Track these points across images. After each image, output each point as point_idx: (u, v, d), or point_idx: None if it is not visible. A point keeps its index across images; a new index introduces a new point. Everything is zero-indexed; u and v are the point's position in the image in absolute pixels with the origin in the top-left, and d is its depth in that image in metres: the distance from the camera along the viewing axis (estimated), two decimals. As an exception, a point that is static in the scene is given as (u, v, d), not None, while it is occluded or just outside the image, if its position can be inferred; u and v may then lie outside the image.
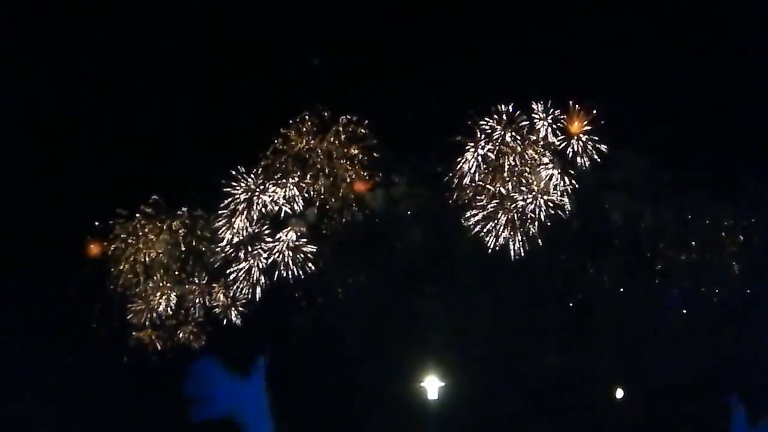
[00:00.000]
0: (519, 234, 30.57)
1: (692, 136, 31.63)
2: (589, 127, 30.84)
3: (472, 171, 30.98)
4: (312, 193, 31.44)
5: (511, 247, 30.54)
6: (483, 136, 30.94)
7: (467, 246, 31.41)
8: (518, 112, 30.91)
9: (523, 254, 30.55)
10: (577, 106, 30.81)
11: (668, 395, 30.77)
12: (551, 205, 30.70)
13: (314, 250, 30.60)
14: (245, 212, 30.50)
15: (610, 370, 31.61)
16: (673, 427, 30.64)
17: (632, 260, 32.47)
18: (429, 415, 27.62)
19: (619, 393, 31.78)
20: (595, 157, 30.93)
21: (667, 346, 31.17)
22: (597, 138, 30.85)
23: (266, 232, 30.65)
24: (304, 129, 31.47)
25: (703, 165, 31.28)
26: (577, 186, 31.04)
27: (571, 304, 32.44)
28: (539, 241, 30.60)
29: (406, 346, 29.86)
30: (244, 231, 30.34)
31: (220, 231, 30.52)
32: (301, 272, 30.37)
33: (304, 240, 30.49)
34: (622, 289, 32.37)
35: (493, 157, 30.99)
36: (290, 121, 31.49)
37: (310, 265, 30.54)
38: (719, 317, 31.36)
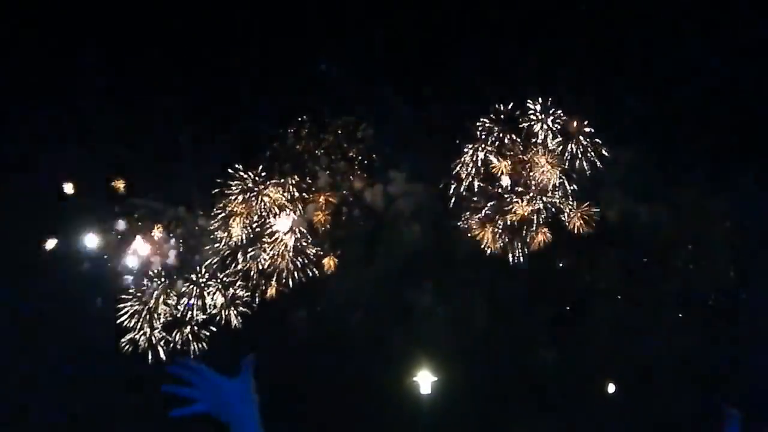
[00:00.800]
0: (518, 239, 30.81)
1: (689, 133, 32.15)
2: (589, 129, 31.03)
3: (472, 174, 31.17)
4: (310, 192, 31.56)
5: (510, 252, 30.78)
6: (482, 136, 31.19)
7: (465, 242, 31.80)
8: (518, 112, 31.15)
9: (522, 259, 30.80)
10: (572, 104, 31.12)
11: (661, 393, 31.08)
12: (551, 206, 30.92)
13: (315, 252, 30.80)
14: (243, 213, 30.68)
15: (604, 366, 31.88)
16: (665, 423, 30.95)
17: (627, 258, 32.85)
18: (421, 410, 27.48)
19: (611, 388, 32.02)
20: (594, 159, 31.13)
21: (662, 345, 31.28)
22: (597, 140, 31.15)
23: (266, 232, 30.82)
24: (305, 131, 31.60)
25: (699, 163, 31.72)
26: (575, 188, 31.44)
27: (566, 300, 32.79)
28: (540, 244, 30.83)
29: (401, 341, 30.07)
30: (243, 234, 30.50)
31: (217, 231, 30.73)
32: (302, 275, 30.64)
33: (305, 242, 30.63)
34: (616, 287, 32.63)
35: (493, 158, 31.14)
36: (289, 127, 31.74)
37: (312, 267, 30.83)
38: (714, 316, 31.56)
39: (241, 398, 3.65)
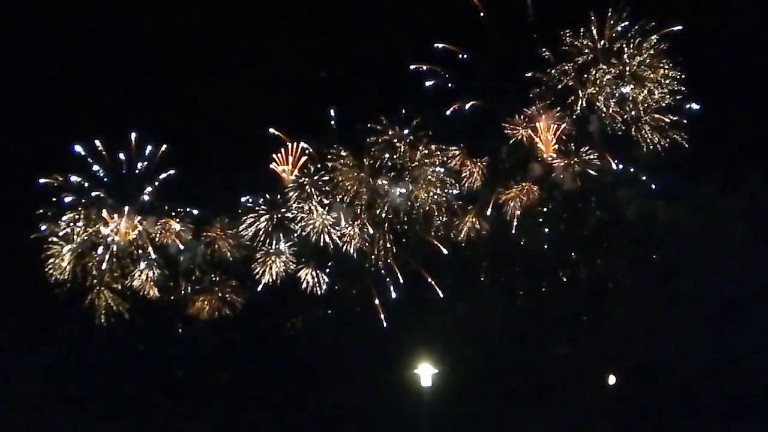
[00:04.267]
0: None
1: (703, 134, 33.01)
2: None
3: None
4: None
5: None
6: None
7: (484, 238, 33.68)
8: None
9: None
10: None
11: (671, 385, 31.97)
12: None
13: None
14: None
15: (613, 360, 33.16)
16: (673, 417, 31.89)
17: (642, 254, 33.97)
18: (422, 402, 28.28)
19: (612, 380, 33.17)
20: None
21: (674, 338, 31.99)
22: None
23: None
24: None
25: (713, 164, 32.57)
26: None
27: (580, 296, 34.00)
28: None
29: (415, 334, 31.72)
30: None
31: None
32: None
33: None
34: (631, 282, 33.86)
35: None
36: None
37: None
38: (725, 311, 32.14)
39: None
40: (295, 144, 33.22)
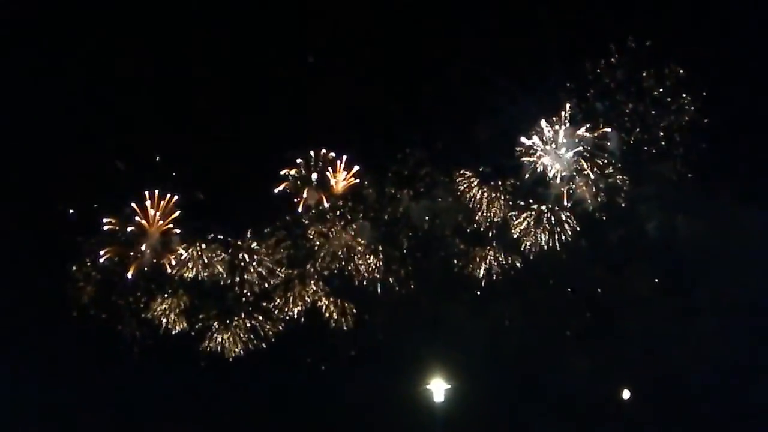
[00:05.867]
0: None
1: (721, 149, 33.17)
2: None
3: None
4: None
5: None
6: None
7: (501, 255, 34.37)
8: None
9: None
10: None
11: (686, 400, 32.22)
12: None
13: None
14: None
15: (628, 374, 33.55)
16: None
17: (661, 268, 34.18)
18: (435, 417, 29.15)
19: (626, 394, 33.55)
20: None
21: (692, 353, 32.26)
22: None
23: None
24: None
25: (731, 177, 32.68)
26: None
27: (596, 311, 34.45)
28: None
29: (428, 349, 32.44)
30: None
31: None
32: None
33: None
34: (649, 297, 34.04)
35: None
36: None
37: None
38: (743, 325, 32.06)
39: None
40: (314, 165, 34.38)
